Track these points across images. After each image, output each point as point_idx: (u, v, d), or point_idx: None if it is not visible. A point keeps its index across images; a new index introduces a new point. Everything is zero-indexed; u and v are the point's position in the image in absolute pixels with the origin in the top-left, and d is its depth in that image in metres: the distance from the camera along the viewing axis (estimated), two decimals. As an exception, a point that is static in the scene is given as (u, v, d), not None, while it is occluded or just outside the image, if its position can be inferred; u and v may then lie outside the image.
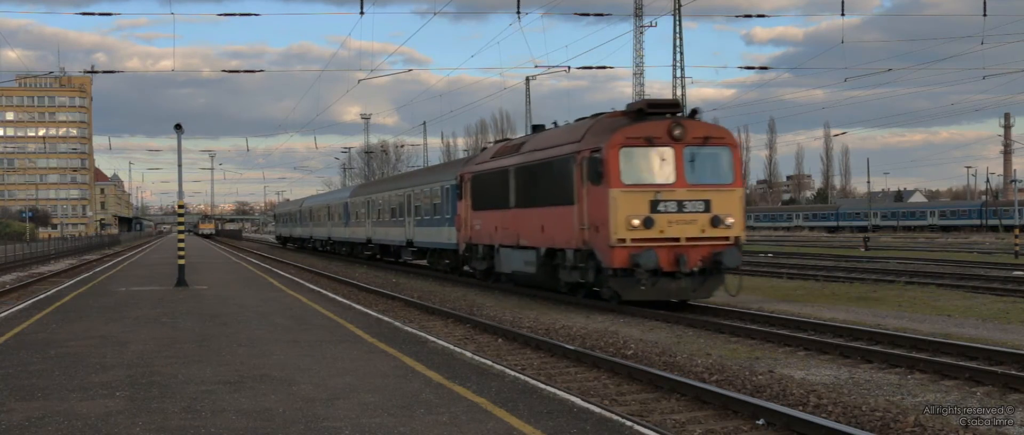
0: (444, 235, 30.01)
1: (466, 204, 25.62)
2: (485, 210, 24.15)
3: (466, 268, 28.32)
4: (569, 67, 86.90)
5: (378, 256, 42.90)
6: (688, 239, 17.31)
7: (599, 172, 17.41)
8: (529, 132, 24.91)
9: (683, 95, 65.72)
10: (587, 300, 19.40)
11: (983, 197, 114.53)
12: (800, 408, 9.09)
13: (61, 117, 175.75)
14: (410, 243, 34.85)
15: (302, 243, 66.20)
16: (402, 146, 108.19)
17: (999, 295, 21.02)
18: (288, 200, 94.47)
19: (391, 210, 38.16)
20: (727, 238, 17.55)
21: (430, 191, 32.19)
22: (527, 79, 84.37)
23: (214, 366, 10.95)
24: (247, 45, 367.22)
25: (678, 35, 64.65)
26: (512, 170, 22.10)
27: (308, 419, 8.01)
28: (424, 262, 35.06)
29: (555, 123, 22.62)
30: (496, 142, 25.49)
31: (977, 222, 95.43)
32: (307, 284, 26.79)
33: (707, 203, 17.48)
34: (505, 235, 22.66)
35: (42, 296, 22.62)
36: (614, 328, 15.95)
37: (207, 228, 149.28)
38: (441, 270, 31.41)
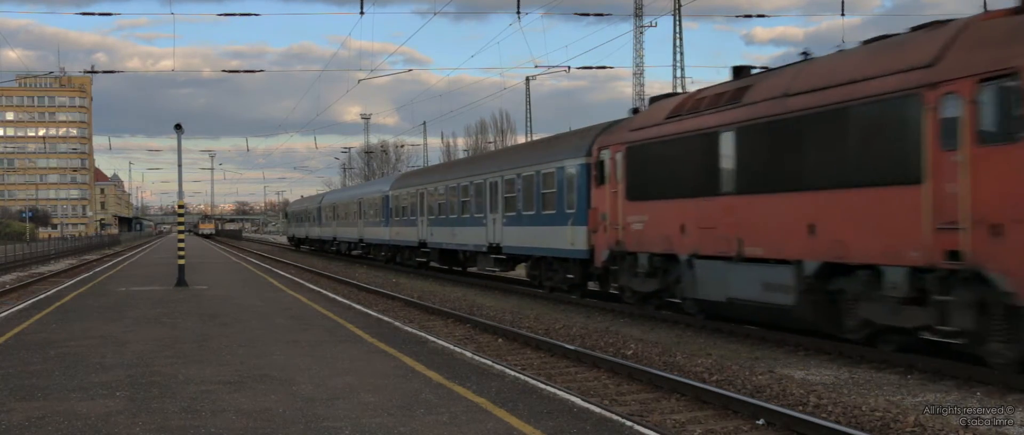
0: (563, 237, 20.93)
1: (613, 191, 18.03)
2: (657, 200, 16.48)
3: (602, 288, 19.99)
4: (569, 67, 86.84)
5: (433, 263, 33.46)
6: None
7: (1017, 117, 9.63)
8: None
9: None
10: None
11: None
12: (800, 408, 9.09)
13: (61, 117, 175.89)
14: (495, 248, 25.67)
15: (322, 246, 57.41)
16: (402, 146, 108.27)
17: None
18: (303, 196, 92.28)
19: (461, 204, 28.77)
20: None
21: (535, 176, 22.85)
22: (527, 79, 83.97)
23: (214, 366, 10.95)
24: (247, 45, 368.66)
25: (678, 35, 64.61)
26: (730, 132, 14.28)
27: (308, 419, 8.01)
28: (516, 274, 27.00)
29: (805, 54, 14.23)
30: (659, 98, 18.42)
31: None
32: (307, 284, 26.79)
33: None
34: (706, 239, 14.92)
35: (42, 296, 22.62)
36: (614, 328, 15.94)
37: (207, 228, 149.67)
38: (556, 289, 21.92)
